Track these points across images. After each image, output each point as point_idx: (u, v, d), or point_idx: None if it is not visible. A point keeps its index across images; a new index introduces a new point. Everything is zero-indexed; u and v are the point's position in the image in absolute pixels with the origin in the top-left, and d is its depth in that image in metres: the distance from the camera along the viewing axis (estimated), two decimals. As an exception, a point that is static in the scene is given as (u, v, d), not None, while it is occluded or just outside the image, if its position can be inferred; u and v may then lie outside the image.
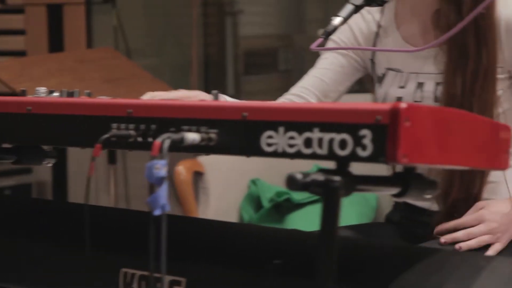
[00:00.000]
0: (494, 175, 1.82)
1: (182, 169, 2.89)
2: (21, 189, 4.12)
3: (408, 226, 1.97)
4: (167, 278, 1.49)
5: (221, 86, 4.90)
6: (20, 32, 4.17)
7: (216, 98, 1.38)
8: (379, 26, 1.96)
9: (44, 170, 4.12)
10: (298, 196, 2.85)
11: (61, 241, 1.57)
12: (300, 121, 1.20)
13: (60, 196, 3.85)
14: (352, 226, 1.94)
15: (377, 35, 1.96)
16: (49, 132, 1.42)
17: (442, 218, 1.82)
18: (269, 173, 3.00)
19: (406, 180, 1.28)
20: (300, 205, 2.94)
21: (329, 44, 2.00)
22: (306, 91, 1.99)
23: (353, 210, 2.96)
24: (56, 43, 3.49)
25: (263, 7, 5.04)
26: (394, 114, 1.13)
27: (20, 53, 4.15)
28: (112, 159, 3.41)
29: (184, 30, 4.59)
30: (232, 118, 1.26)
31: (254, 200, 3.04)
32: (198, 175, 2.94)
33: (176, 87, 4.37)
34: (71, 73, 3.02)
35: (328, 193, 1.18)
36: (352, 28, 1.98)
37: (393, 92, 1.90)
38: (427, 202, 1.90)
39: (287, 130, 1.22)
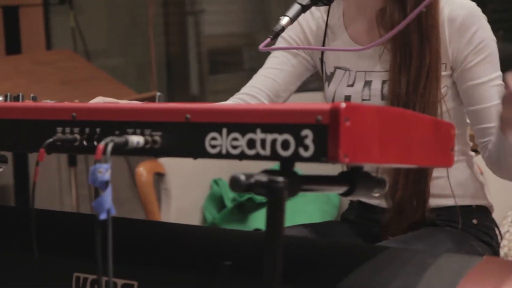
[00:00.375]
0: (442, 171, 1.83)
1: (143, 171, 2.89)
2: (-17, 193, 4.08)
3: (362, 225, 1.98)
4: (119, 282, 1.49)
5: (185, 86, 4.89)
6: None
7: (159, 101, 1.38)
8: (327, 25, 1.97)
9: (6, 174, 4.09)
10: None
11: (9, 246, 1.55)
12: (242, 122, 1.20)
13: (22, 200, 3.82)
14: (308, 224, 1.94)
15: (325, 33, 1.97)
16: (-6, 137, 1.41)
17: (390, 216, 1.83)
18: (231, 172, 2.99)
19: (353, 179, 1.28)
20: (262, 204, 2.95)
21: (279, 42, 2.00)
22: (258, 91, 1.99)
23: (316, 208, 2.97)
24: (13, 45, 3.46)
25: (225, 5, 5.04)
26: (334, 114, 1.13)
27: (-22, 56, 4.12)
28: (72, 161, 3.39)
29: (147, 29, 4.57)
30: (175, 120, 1.25)
31: (217, 200, 3.04)
32: (159, 176, 2.94)
33: (140, 86, 4.36)
34: (27, 76, 2.99)
35: (272, 194, 1.18)
36: (302, 25, 1.99)
37: (342, 90, 1.90)
38: (377, 200, 1.91)
39: (230, 131, 1.21)
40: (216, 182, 3.04)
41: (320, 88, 2.03)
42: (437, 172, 1.83)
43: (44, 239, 1.44)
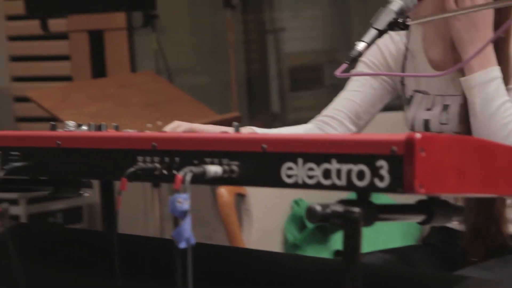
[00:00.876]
0: None
1: (224, 191, 2.91)
2: (72, 212, 4.18)
3: (444, 249, 1.96)
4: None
5: (265, 104, 4.92)
6: (65, 58, 4.24)
7: (237, 130, 1.40)
8: (407, 48, 1.96)
9: (94, 193, 4.17)
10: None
11: (93, 270, 1.59)
12: (318, 152, 1.21)
13: (108, 220, 3.89)
14: (388, 250, 1.93)
15: (405, 57, 1.96)
16: (78, 166, 1.45)
17: (468, 241, 1.81)
18: (312, 193, 3.00)
19: (431, 207, 1.28)
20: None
21: (359, 65, 2.01)
22: (339, 113, 1.99)
23: (398, 229, 2.95)
24: (98, 68, 3.55)
25: (306, 22, 5.05)
26: (409, 145, 1.14)
27: (66, 78, 4.23)
28: (156, 183, 3.44)
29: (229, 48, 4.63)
30: (252, 150, 1.27)
31: (298, 221, 3.04)
32: (240, 197, 2.96)
33: (223, 104, 4.40)
34: (112, 99, 3.06)
35: (348, 225, 1.18)
36: (381, 49, 1.99)
37: (421, 114, 1.90)
38: (459, 224, 1.90)
39: (305, 161, 1.23)
40: (297, 202, 3.05)
41: (402, 107, 2.03)
42: None
43: (127, 264, 1.47)
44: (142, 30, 3.85)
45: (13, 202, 3.95)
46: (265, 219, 2.97)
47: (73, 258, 1.65)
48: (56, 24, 3.99)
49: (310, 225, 2.96)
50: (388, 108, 2.18)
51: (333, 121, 1.99)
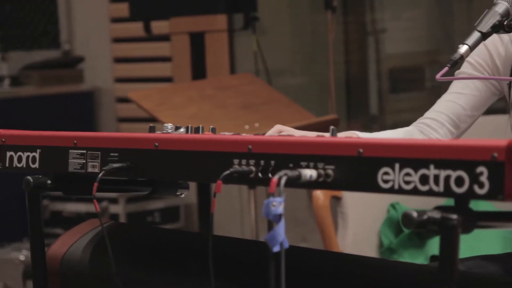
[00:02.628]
0: None
1: (320, 194, 2.90)
2: (170, 212, 4.23)
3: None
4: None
5: (364, 105, 4.88)
6: (167, 60, 4.30)
7: (333, 134, 1.39)
8: None
9: (191, 193, 4.22)
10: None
11: (188, 272, 1.61)
12: (415, 157, 1.19)
13: (204, 219, 3.93)
14: (487, 256, 1.88)
15: None
16: (175, 167, 1.46)
17: None
18: (409, 197, 2.96)
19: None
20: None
21: (464, 65, 1.95)
22: (441, 115, 1.95)
23: (498, 235, 2.88)
24: (199, 70, 3.58)
25: (407, 24, 4.99)
26: (511, 151, 1.10)
27: (167, 80, 4.29)
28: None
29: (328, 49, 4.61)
30: (348, 154, 1.26)
31: (394, 225, 3.00)
32: (336, 200, 2.94)
33: (321, 105, 4.39)
34: (210, 100, 3.08)
35: (445, 232, 1.16)
36: (489, 49, 1.93)
37: None
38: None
39: (402, 166, 1.21)
40: (393, 206, 3.01)
41: (506, 110, 1.97)
42: None
43: (221, 266, 1.48)
44: (242, 32, 3.87)
45: (113, 201, 4.03)
46: (361, 222, 2.94)
47: (168, 258, 1.66)
48: (159, 27, 4.05)
49: (406, 229, 2.92)
50: (489, 111, 2.13)
51: (435, 124, 1.95)
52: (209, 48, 3.71)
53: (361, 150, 1.25)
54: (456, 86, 1.96)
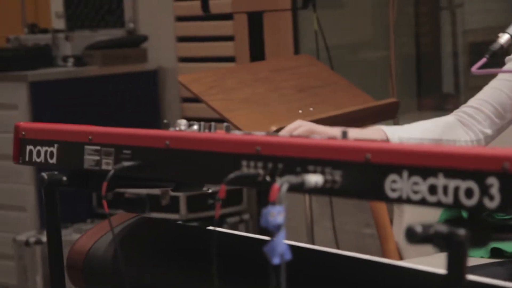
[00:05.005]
0: None
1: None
2: (232, 194, 4.15)
3: None
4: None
5: (437, 83, 4.73)
6: (229, 39, 4.24)
7: (344, 136, 1.29)
8: None
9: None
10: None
11: (190, 266, 1.55)
12: (424, 165, 1.10)
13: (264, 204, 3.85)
14: (505, 262, 1.77)
15: None
16: (184, 167, 1.40)
17: None
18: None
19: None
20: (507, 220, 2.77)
21: None
22: (484, 103, 1.85)
23: None
24: (258, 50, 3.50)
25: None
26: (522, 162, 1.00)
27: (230, 59, 4.22)
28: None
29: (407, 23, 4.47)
30: (355, 159, 1.17)
31: (452, 214, 2.89)
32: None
33: (386, 86, 4.26)
34: (265, 83, 3.00)
35: (452, 248, 1.06)
36: None
37: None
38: None
39: (411, 174, 1.11)
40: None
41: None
42: None
43: (224, 263, 1.41)
44: (303, 12, 3.78)
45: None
46: (418, 212, 2.83)
47: (189, 257, 1.60)
48: (221, 5, 3.99)
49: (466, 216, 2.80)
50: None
51: (477, 113, 1.84)
52: (268, 28, 3.63)
53: (368, 156, 1.16)
54: (504, 74, 1.85)
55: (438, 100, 4.79)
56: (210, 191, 1.68)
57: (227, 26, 4.24)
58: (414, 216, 2.82)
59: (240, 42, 4.10)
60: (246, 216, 4.04)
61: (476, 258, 2.01)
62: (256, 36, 3.52)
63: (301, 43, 4.12)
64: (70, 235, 3.82)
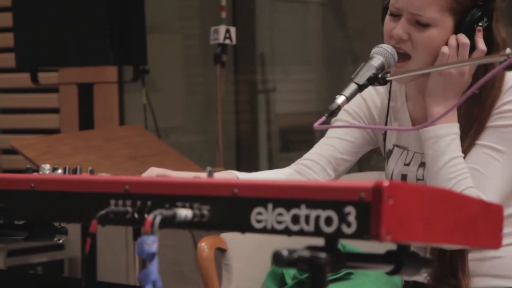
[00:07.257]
0: (503, 250, 1.81)
1: (205, 246, 2.90)
2: (54, 265, 4.14)
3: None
4: None
5: (254, 164, 4.93)
6: (55, 111, 4.26)
7: (210, 175, 1.40)
8: (389, 103, 1.99)
9: (75, 246, 4.15)
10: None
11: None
12: (288, 198, 1.22)
13: (90, 272, 3.86)
14: None
15: (388, 110, 1.99)
16: (51, 209, 1.45)
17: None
18: (298, 244, 2.99)
19: (399, 257, 1.28)
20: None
21: (342, 113, 2.02)
22: (321, 158, 2.00)
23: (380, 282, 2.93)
24: (87, 121, 3.56)
25: (298, 84, 5.09)
26: (377, 192, 1.14)
27: (54, 131, 4.24)
28: (137, 234, 3.43)
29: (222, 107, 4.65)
30: (223, 194, 1.28)
31: (278, 277, 3.02)
32: (221, 252, 2.95)
33: (212, 164, 4.41)
34: (97, 151, 3.07)
35: (314, 270, 1.18)
36: (366, 100, 2.01)
37: (399, 169, 1.92)
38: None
39: (275, 206, 1.23)
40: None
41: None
42: (497, 252, 1.82)
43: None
44: (133, 85, 3.88)
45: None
46: (245, 274, 2.95)
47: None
48: (47, 77, 4.02)
49: (289, 282, 2.94)
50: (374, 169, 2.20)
51: (314, 165, 2.00)
52: (97, 100, 3.70)
53: (236, 191, 1.27)
54: (334, 132, 2.03)
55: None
56: (61, 241, 1.71)
57: (52, 98, 4.27)
58: (242, 278, 2.93)
59: (67, 113, 4.13)
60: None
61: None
62: (86, 107, 3.58)
63: (128, 115, 4.20)
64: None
